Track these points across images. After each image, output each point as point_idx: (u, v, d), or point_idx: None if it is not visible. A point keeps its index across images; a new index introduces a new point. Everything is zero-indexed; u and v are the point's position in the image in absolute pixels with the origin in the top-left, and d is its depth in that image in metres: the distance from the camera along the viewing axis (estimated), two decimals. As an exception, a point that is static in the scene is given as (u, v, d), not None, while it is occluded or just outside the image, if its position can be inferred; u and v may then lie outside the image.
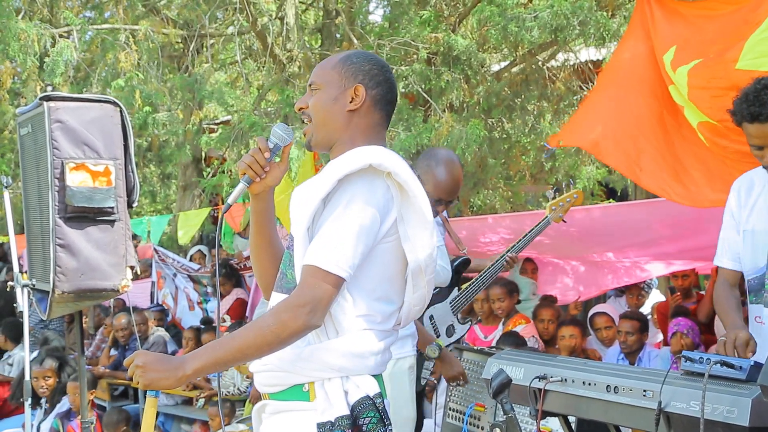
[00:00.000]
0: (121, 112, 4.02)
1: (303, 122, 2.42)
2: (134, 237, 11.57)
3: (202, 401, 7.40)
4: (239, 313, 8.64)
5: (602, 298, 7.75)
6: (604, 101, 4.84)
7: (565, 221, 5.09)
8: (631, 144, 4.56)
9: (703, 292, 6.70)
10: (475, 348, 4.81)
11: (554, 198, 5.12)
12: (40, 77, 8.78)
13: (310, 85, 2.39)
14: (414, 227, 2.24)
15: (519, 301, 6.55)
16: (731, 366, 2.50)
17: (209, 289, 9.62)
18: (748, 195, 3.21)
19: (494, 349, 4.52)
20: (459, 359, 4.38)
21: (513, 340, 5.44)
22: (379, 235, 2.21)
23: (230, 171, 8.22)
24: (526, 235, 4.95)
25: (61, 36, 8.38)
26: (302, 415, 2.22)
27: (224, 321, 8.11)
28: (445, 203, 3.81)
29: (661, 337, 6.45)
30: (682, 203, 4.53)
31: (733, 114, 3.07)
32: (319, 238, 2.17)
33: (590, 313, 6.38)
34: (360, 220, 2.16)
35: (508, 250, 4.81)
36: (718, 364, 2.51)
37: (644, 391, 2.64)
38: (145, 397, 5.98)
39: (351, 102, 2.32)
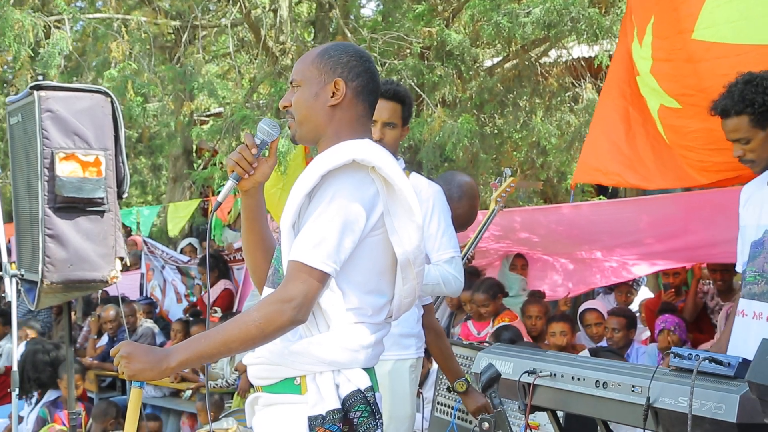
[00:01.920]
0: (111, 102, 4.00)
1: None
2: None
3: (189, 392, 7.38)
4: (226, 304, 8.64)
5: (591, 295, 7.76)
6: (596, 126, 4.95)
7: (503, 209, 5.11)
8: (607, 154, 4.70)
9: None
10: (465, 342, 4.82)
11: (497, 189, 5.12)
12: (32, 66, 8.75)
13: (291, 82, 2.38)
14: (400, 220, 2.25)
15: (506, 294, 6.54)
16: (719, 362, 2.51)
17: (197, 281, 9.60)
18: (748, 195, 3.29)
19: (484, 343, 4.52)
20: None
21: (509, 335, 5.43)
22: (365, 230, 2.21)
23: (221, 163, 8.20)
24: (480, 230, 4.94)
25: (54, 26, 8.34)
26: (293, 408, 2.22)
27: (216, 312, 8.10)
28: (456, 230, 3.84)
29: (648, 333, 6.47)
30: (633, 186, 4.72)
31: (713, 110, 3.16)
32: (303, 233, 2.17)
33: (580, 309, 6.39)
34: (344, 216, 2.16)
35: (468, 248, 4.80)
36: (707, 361, 2.52)
37: (633, 386, 2.66)
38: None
39: (332, 97, 2.31)
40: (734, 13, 3.86)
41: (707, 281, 6.64)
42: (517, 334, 5.51)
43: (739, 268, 3.31)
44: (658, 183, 4.72)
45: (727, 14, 3.87)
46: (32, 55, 8.35)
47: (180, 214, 10.66)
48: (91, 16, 9.57)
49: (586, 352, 5.42)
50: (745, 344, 3.02)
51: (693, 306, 6.21)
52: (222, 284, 8.84)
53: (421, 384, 5.23)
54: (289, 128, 2.39)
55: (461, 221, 3.83)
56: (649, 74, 4.25)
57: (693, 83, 3.99)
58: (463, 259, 4.70)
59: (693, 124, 4.07)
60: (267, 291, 2.36)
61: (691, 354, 2.59)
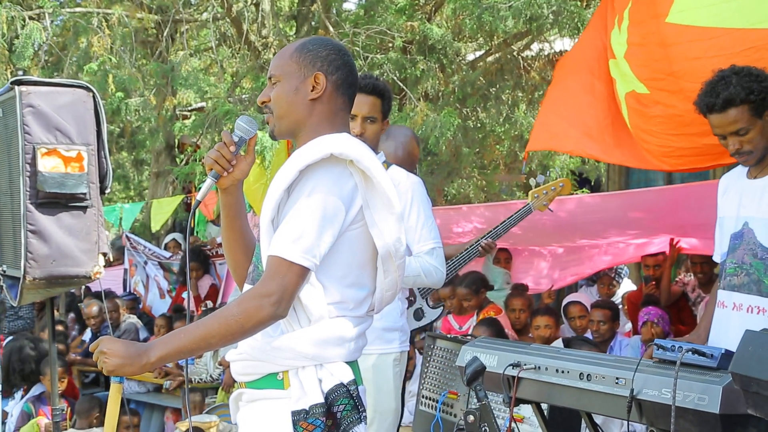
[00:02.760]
0: (93, 97, 3.96)
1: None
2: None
3: (168, 383, 7.33)
4: (216, 298, 8.62)
5: (574, 287, 7.79)
6: (555, 97, 4.93)
7: (551, 210, 5.00)
8: (564, 121, 4.69)
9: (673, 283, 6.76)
10: (449, 336, 4.82)
11: (539, 185, 5.06)
12: (11, 60, 8.67)
13: (269, 78, 2.38)
14: (380, 213, 2.25)
15: (490, 288, 6.54)
16: (703, 354, 2.53)
17: (180, 277, 9.57)
18: (726, 186, 3.31)
19: (468, 337, 4.53)
20: (432, 347, 4.39)
21: (494, 329, 5.44)
22: (345, 223, 2.21)
23: (203, 158, 8.16)
24: (505, 222, 4.84)
25: (31, 18, 8.26)
26: (277, 403, 2.22)
27: (206, 306, 8.09)
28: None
29: (630, 326, 6.50)
30: (589, 156, 4.67)
31: (696, 105, 3.17)
32: (282, 228, 2.17)
33: (564, 302, 6.40)
34: (323, 210, 2.16)
35: (485, 236, 4.73)
36: (690, 352, 2.54)
37: (617, 378, 2.67)
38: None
39: (312, 91, 2.32)
40: None
41: (688, 273, 6.69)
42: (499, 328, 5.51)
43: (716, 258, 3.33)
44: (618, 159, 4.68)
45: None
46: (10, 49, 8.28)
47: (163, 210, 10.61)
48: (71, 10, 9.49)
49: (559, 342, 5.44)
50: (726, 335, 3.05)
51: (667, 291, 6.25)
52: (210, 279, 8.84)
53: (408, 378, 5.24)
54: (267, 123, 2.39)
55: (398, 163, 3.81)
56: (623, 59, 4.25)
57: (663, 67, 3.98)
58: (476, 244, 4.62)
59: (657, 109, 4.07)
60: (247, 288, 2.36)
61: (674, 346, 2.61)
